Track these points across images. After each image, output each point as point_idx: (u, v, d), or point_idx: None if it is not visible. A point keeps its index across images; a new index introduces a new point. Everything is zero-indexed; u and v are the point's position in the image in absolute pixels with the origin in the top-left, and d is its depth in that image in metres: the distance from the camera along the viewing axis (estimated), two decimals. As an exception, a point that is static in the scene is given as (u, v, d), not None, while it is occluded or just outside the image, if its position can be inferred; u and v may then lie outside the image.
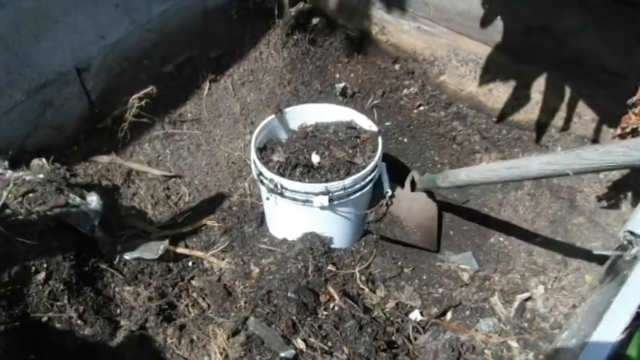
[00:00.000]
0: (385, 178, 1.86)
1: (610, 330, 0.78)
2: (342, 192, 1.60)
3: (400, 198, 1.88)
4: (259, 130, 1.76)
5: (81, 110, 2.05)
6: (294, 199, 1.61)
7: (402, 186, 1.93)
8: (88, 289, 1.50)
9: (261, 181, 1.66)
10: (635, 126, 1.38)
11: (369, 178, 1.65)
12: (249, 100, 2.40)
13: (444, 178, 1.66)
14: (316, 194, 1.58)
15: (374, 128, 1.79)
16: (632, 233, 0.85)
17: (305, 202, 1.61)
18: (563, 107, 2.09)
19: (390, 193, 1.82)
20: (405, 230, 1.87)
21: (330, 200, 1.60)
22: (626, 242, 0.87)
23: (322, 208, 1.62)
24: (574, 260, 1.85)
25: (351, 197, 1.64)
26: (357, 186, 1.63)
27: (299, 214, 1.70)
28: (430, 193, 1.95)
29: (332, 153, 1.69)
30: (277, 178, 1.58)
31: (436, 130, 2.32)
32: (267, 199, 1.73)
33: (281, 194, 1.61)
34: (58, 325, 1.37)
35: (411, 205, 1.90)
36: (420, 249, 1.90)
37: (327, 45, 2.56)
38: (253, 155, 1.67)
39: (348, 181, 1.58)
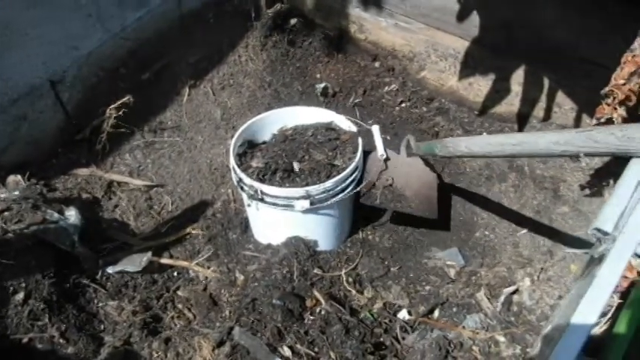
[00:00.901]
0: (379, 141, 1.77)
1: (575, 336, 0.78)
2: (323, 195, 1.59)
3: (396, 164, 1.78)
4: (237, 136, 1.74)
5: (57, 123, 2.02)
6: (275, 205, 1.59)
7: (398, 152, 1.85)
8: (70, 307, 1.48)
9: (242, 188, 1.64)
10: (609, 116, 1.38)
11: (350, 179, 1.64)
12: (229, 104, 2.38)
13: (442, 147, 1.57)
14: (297, 198, 1.57)
15: (353, 129, 1.78)
16: (599, 231, 0.85)
17: (286, 206, 1.59)
18: (543, 98, 2.10)
19: (385, 156, 1.72)
20: (402, 198, 1.75)
21: (312, 203, 1.59)
22: (594, 240, 0.87)
23: (304, 211, 1.61)
24: (559, 250, 1.86)
25: (333, 199, 1.62)
26: (339, 188, 1.61)
27: (281, 219, 1.69)
28: (427, 160, 1.86)
29: (312, 156, 1.67)
30: (257, 184, 1.57)
31: (419, 126, 2.31)
32: (249, 205, 1.71)
33: (262, 200, 1.59)
34: (39, 346, 1.35)
35: (408, 171, 1.79)
36: (418, 217, 1.80)
37: (306, 45, 2.54)
38: (232, 162, 1.65)
39: (329, 183, 1.57)
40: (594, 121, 1.51)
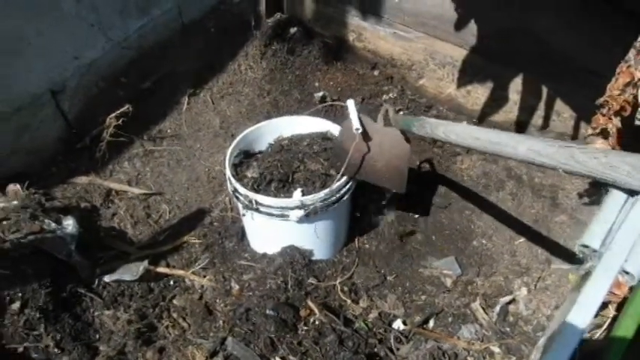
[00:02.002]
0: (355, 115, 1.69)
1: (559, 354, 0.77)
2: (317, 205, 1.59)
3: (371, 132, 1.70)
4: (233, 146, 1.75)
5: (58, 132, 2.04)
6: (270, 214, 1.60)
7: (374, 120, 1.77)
8: (66, 316, 1.49)
9: (237, 198, 1.65)
10: (604, 126, 1.37)
11: (345, 189, 1.64)
12: (228, 113, 2.40)
13: (420, 126, 1.51)
14: (292, 208, 1.57)
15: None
16: (586, 247, 0.84)
17: (281, 216, 1.60)
18: (542, 106, 2.09)
19: (360, 129, 1.64)
20: (372, 168, 1.69)
21: (307, 213, 1.59)
22: (581, 256, 0.86)
23: (299, 221, 1.62)
24: (557, 259, 1.84)
25: (328, 209, 1.63)
26: (333, 198, 1.62)
27: (276, 229, 1.69)
28: (403, 132, 1.73)
29: (307, 166, 1.68)
30: (252, 195, 1.57)
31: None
32: (244, 215, 1.72)
33: (257, 210, 1.60)
34: (34, 355, 1.37)
35: (382, 140, 1.70)
36: (387, 191, 1.74)
37: (305, 54, 2.56)
38: (228, 172, 1.66)
39: (323, 194, 1.57)
40: (590, 131, 1.50)
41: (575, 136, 2.07)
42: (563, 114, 2.06)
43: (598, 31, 1.78)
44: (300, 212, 1.57)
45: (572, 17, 1.83)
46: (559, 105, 2.05)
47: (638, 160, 0.91)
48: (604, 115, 1.38)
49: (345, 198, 1.66)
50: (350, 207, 1.85)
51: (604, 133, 1.41)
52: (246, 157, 1.82)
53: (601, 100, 1.38)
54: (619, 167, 0.92)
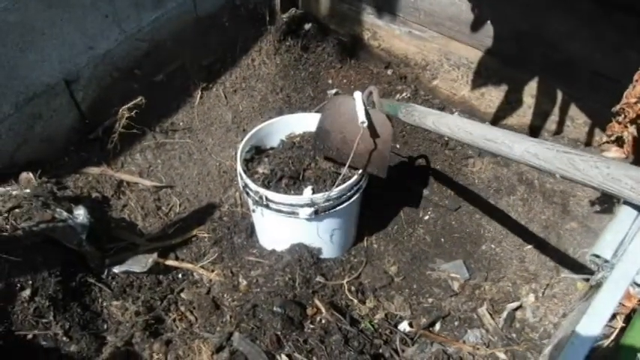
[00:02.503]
0: (361, 108, 1.62)
1: None
2: (327, 203, 1.59)
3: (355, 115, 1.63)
4: (245, 141, 1.76)
5: (71, 122, 2.05)
6: (280, 211, 1.60)
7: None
8: (75, 305, 1.51)
9: (247, 193, 1.65)
10: (619, 134, 1.36)
11: (356, 188, 1.64)
12: (241, 107, 2.40)
13: (407, 113, 1.45)
14: (301, 206, 1.57)
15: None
16: (598, 257, 0.83)
17: (291, 213, 1.60)
18: (556, 111, 2.07)
19: (366, 123, 1.58)
20: (358, 153, 1.65)
21: (316, 212, 1.59)
22: (592, 266, 0.85)
23: (309, 219, 1.62)
24: (566, 267, 1.83)
25: (338, 208, 1.63)
26: (344, 197, 1.61)
27: (286, 226, 1.69)
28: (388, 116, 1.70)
29: (318, 164, 1.67)
30: (262, 191, 1.58)
31: (429, 135, 2.30)
32: (254, 210, 1.72)
33: (267, 206, 1.60)
34: (43, 343, 1.38)
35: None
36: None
37: (319, 51, 2.55)
38: (239, 167, 1.67)
39: (334, 192, 1.57)
40: (604, 138, 1.48)
41: (589, 143, 2.05)
42: (578, 120, 2.04)
43: (614, 36, 1.76)
44: (310, 210, 1.57)
45: (587, 21, 1.80)
46: (573, 110, 2.03)
47: None
48: (619, 123, 1.37)
49: (355, 197, 1.66)
50: (360, 207, 1.85)
51: (619, 141, 1.39)
52: (257, 152, 1.82)
53: (617, 107, 1.37)
54: (621, 180, 0.89)
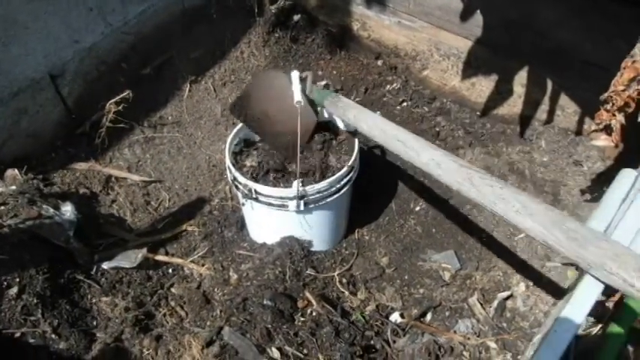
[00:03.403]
0: (297, 87, 1.61)
1: (549, 353, 0.76)
2: (317, 196, 1.58)
3: (285, 96, 1.64)
4: (234, 134, 1.74)
5: (57, 116, 2.03)
6: (270, 204, 1.59)
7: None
8: (64, 302, 1.49)
9: (237, 187, 1.64)
10: (607, 122, 1.35)
11: (345, 180, 1.63)
12: (230, 100, 2.37)
13: (332, 102, 1.47)
14: (291, 199, 1.56)
15: (350, 129, 1.76)
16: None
17: (280, 206, 1.59)
18: (546, 100, 2.07)
19: (302, 103, 1.59)
20: (273, 131, 1.67)
21: (306, 204, 1.58)
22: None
23: (298, 212, 1.61)
24: (557, 255, 1.84)
25: (328, 200, 1.62)
26: (333, 189, 1.61)
27: (276, 219, 1.68)
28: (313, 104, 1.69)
29: (306, 156, 1.66)
30: (251, 184, 1.56)
31: (420, 125, 2.29)
32: (244, 204, 1.71)
33: (256, 199, 1.59)
34: (31, 340, 1.37)
35: (290, 107, 1.63)
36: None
37: (309, 42, 2.53)
38: (227, 161, 1.65)
39: (323, 184, 1.56)
40: (593, 127, 1.48)
41: (579, 132, 2.05)
42: (568, 109, 2.04)
43: (604, 25, 1.75)
44: (300, 203, 1.56)
45: (577, 10, 1.79)
46: (564, 99, 2.03)
47: (530, 200, 0.96)
48: (608, 111, 1.36)
49: (345, 189, 1.65)
50: (350, 198, 1.84)
51: (607, 129, 1.39)
52: (246, 145, 1.81)
53: (605, 95, 1.36)
54: (510, 202, 0.95)
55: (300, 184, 1.62)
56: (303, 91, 1.63)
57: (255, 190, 1.57)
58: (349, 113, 1.43)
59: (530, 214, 0.94)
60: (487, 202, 0.99)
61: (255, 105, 1.69)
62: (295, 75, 1.65)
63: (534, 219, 0.93)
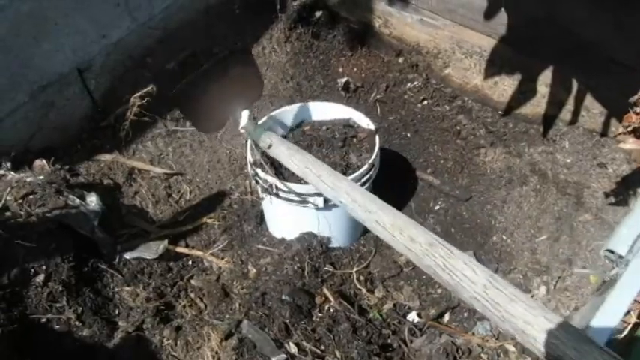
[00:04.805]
0: (245, 115, 1.64)
1: None
2: (337, 193, 1.58)
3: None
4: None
5: (84, 110, 2.07)
6: (290, 200, 1.60)
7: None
8: (87, 290, 1.53)
9: (257, 181, 1.66)
10: (636, 125, 1.33)
11: (365, 178, 1.63)
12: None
13: (265, 139, 1.52)
14: (311, 195, 1.57)
15: (372, 127, 1.76)
16: (612, 252, 0.81)
17: (300, 202, 1.60)
18: (571, 100, 2.03)
19: (244, 131, 1.64)
20: (201, 111, 1.74)
21: (326, 201, 1.59)
22: (606, 261, 0.84)
23: (318, 209, 1.62)
24: (579, 259, 1.81)
25: (348, 197, 1.62)
26: (353, 186, 1.60)
27: (295, 215, 1.69)
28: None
29: (327, 154, 1.67)
30: (271, 179, 1.58)
31: (440, 124, 2.28)
32: (263, 199, 1.72)
33: (276, 195, 1.60)
34: (56, 327, 1.41)
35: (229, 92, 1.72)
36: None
37: (330, 39, 2.53)
38: (248, 156, 1.67)
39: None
40: (621, 129, 1.45)
41: (604, 133, 2.01)
42: (593, 109, 2.00)
43: (633, 23, 1.71)
44: (320, 200, 1.57)
45: (605, 7, 1.76)
46: (588, 99, 1.99)
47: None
48: (637, 114, 1.33)
49: (365, 187, 1.65)
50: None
51: (636, 132, 1.36)
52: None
53: (635, 97, 1.34)
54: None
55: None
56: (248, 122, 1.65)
57: (275, 186, 1.58)
58: (280, 150, 1.49)
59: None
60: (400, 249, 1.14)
61: (201, 109, 1.74)
62: (245, 114, 1.66)
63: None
